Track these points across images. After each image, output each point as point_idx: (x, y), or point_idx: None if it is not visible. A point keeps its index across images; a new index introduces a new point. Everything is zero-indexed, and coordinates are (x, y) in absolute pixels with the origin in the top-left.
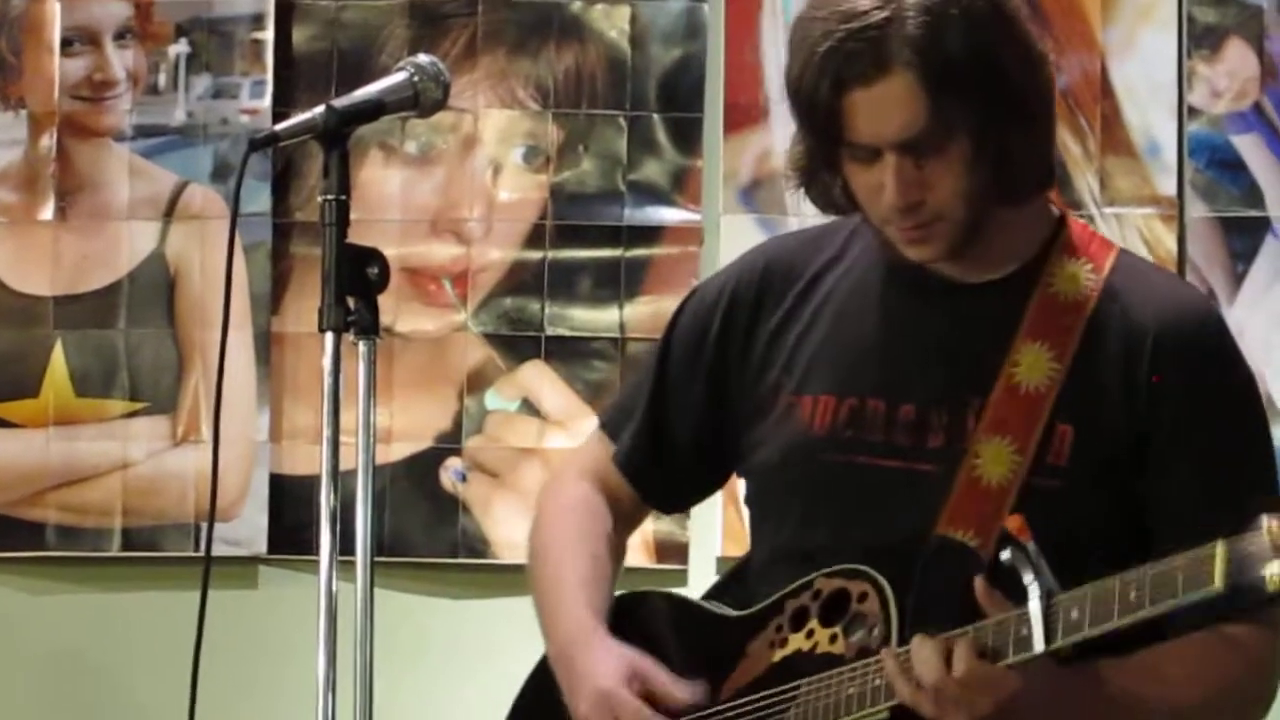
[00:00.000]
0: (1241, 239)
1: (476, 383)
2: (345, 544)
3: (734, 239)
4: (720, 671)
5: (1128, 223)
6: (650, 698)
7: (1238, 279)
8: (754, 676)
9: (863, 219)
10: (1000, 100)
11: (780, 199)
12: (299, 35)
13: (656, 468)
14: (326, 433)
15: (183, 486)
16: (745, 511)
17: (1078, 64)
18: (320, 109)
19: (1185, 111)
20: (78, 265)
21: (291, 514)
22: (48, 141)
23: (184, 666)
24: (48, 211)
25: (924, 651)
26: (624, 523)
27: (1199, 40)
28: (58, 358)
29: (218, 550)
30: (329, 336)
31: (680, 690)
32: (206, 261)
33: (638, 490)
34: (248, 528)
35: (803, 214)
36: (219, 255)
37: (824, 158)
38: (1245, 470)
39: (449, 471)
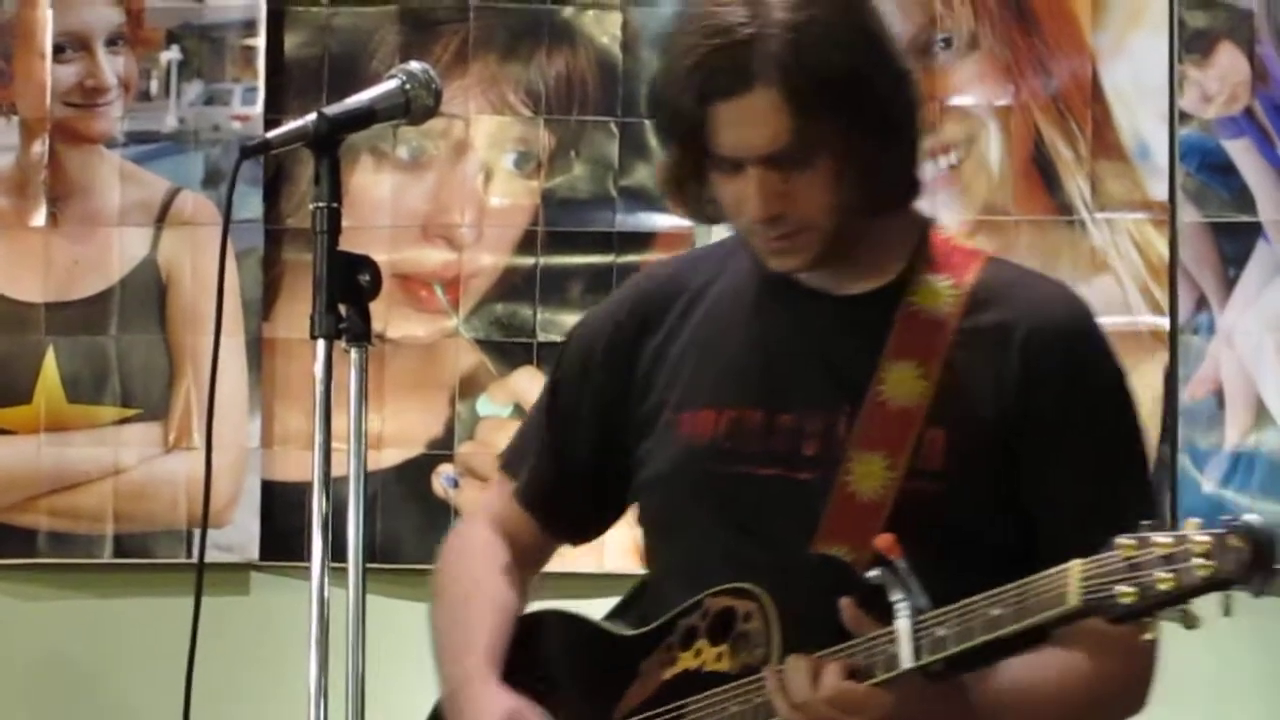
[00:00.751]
0: (1233, 243)
1: (468, 389)
2: (337, 550)
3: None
4: (614, 692)
5: (1119, 227)
6: None
7: (1229, 283)
8: (644, 697)
9: (737, 233)
10: (865, 116)
11: None
12: (290, 41)
13: (556, 500)
14: (318, 439)
15: (174, 492)
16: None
17: (1068, 68)
18: (312, 116)
19: (1176, 116)
20: (69, 271)
21: (283, 520)
22: (39, 147)
23: (177, 673)
24: (39, 218)
25: (796, 670)
26: (530, 559)
27: (1190, 44)
28: (49, 364)
29: (210, 556)
30: (320, 343)
31: None
32: (198, 268)
33: (540, 524)
34: (240, 534)
35: None
36: (211, 261)
37: (690, 168)
38: (1118, 461)
39: (441, 478)
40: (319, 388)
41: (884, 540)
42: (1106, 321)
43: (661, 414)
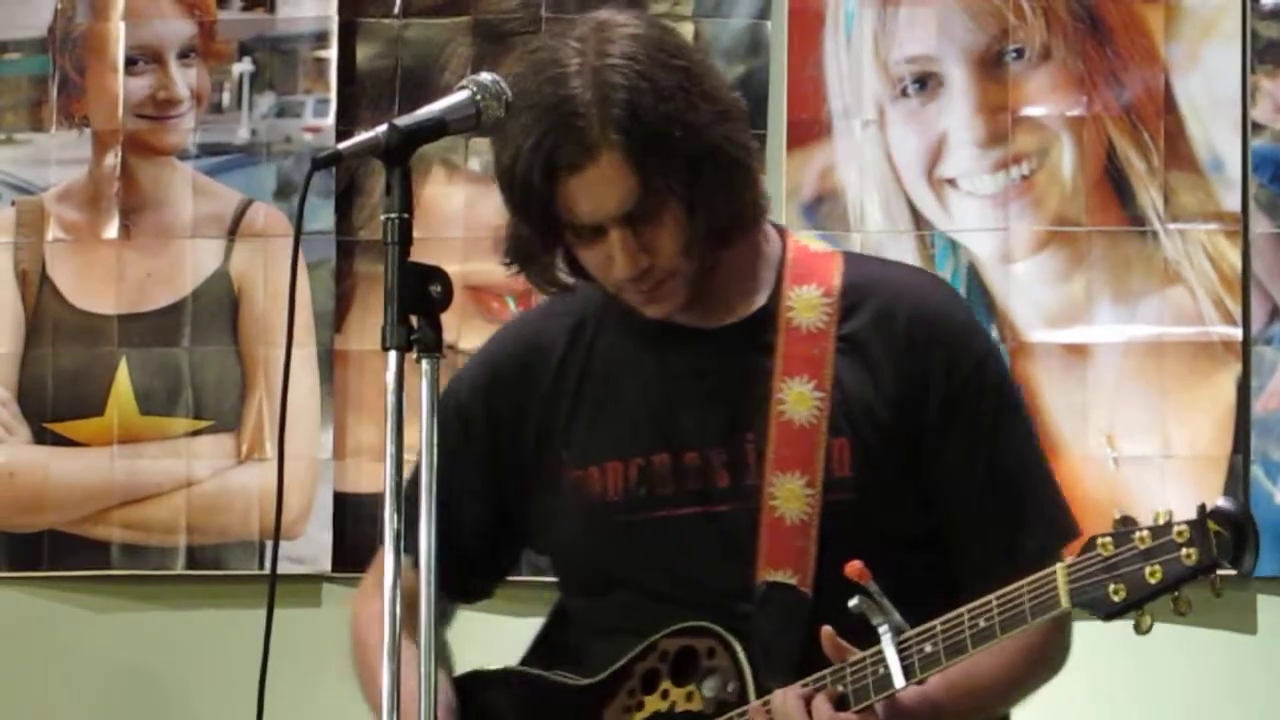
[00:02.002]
0: None
1: None
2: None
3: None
4: None
5: (1191, 238)
6: None
7: None
8: None
9: (596, 286)
10: (700, 158)
11: (844, 215)
12: (362, 53)
13: (450, 564)
14: (390, 450)
15: (247, 504)
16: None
17: (1141, 79)
18: (383, 128)
19: (1249, 126)
20: (142, 283)
21: (355, 531)
22: (112, 160)
23: (248, 685)
24: (112, 230)
25: (786, 705)
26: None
27: (1262, 55)
28: (122, 376)
29: (282, 568)
30: (392, 355)
31: None
32: (270, 279)
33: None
34: (312, 545)
35: (865, 230)
36: (282, 273)
37: (540, 243)
38: (1011, 423)
39: None
40: (391, 399)
41: (853, 568)
42: (1179, 332)
43: (563, 473)
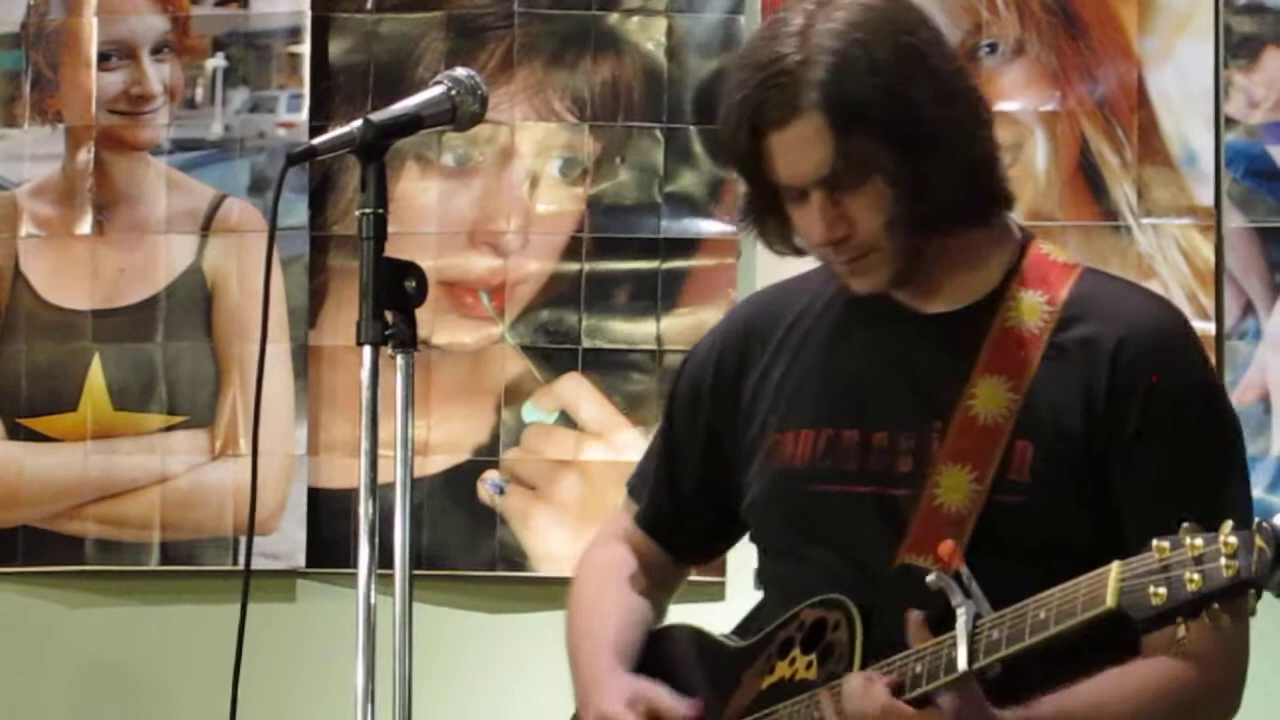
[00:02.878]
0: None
1: (514, 395)
2: (384, 557)
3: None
4: (722, 700)
5: (1165, 233)
6: (655, 717)
7: (1276, 289)
8: (744, 705)
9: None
10: (911, 136)
11: None
12: (336, 48)
13: (674, 525)
14: (365, 446)
15: (221, 500)
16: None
17: (1114, 74)
18: (357, 123)
19: (1222, 121)
20: (115, 279)
21: (330, 527)
22: (85, 155)
23: (223, 680)
24: (85, 225)
25: (850, 685)
26: (658, 578)
27: (1235, 50)
28: (96, 371)
29: (256, 564)
30: (367, 350)
31: (681, 706)
32: (244, 275)
33: (662, 546)
34: (286, 541)
35: None
36: (257, 269)
37: (763, 202)
38: (1205, 463)
39: (487, 484)
40: (366, 394)
41: (944, 547)
42: None
43: (765, 437)
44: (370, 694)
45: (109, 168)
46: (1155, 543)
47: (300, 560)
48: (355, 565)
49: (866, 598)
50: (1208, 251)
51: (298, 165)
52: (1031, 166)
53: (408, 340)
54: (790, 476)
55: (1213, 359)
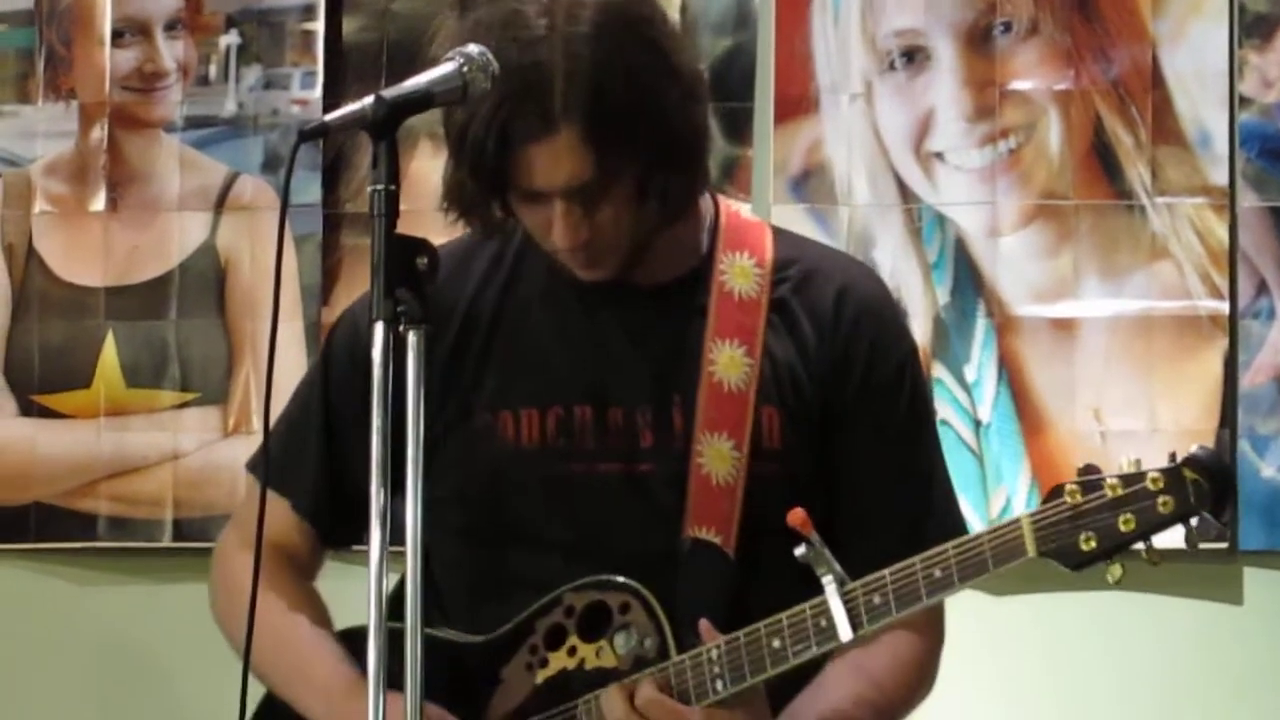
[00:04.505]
0: None
1: None
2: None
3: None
4: (476, 701)
5: (1179, 213)
6: None
7: None
8: (518, 702)
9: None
10: (662, 143)
11: (831, 189)
12: (349, 26)
13: (339, 509)
14: (376, 423)
15: (233, 477)
16: None
17: (1128, 55)
18: (370, 100)
19: (1236, 101)
20: (128, 256)
21: None
22: (98, 133)
23: (233, 657)
24: (99, 203)
25: (608, 696)
26: (309, 571)
27: (1250, 30)
28: (109, 349)
29: None
30: (379, 327)
31: None
32: (257, 253)
33: (321, 533)
34: None
35: (852, 204)
36: (269, 246)
37: (483, 196)
38: (921, 428)
39: None
40: (377, 371)
41: (796, 516)
42: (1166, 307)
43: (469, 418)
44: (383, 671)
45: (122, 145)
46: (1067, 487)
47: None
48: (366, 543)
49: (645, 575)
50: (1221, 231)
51: (310, 142)
52: (1045, 146)
53: (419, 317)
54: (517, 457)
55: (1226, 340)
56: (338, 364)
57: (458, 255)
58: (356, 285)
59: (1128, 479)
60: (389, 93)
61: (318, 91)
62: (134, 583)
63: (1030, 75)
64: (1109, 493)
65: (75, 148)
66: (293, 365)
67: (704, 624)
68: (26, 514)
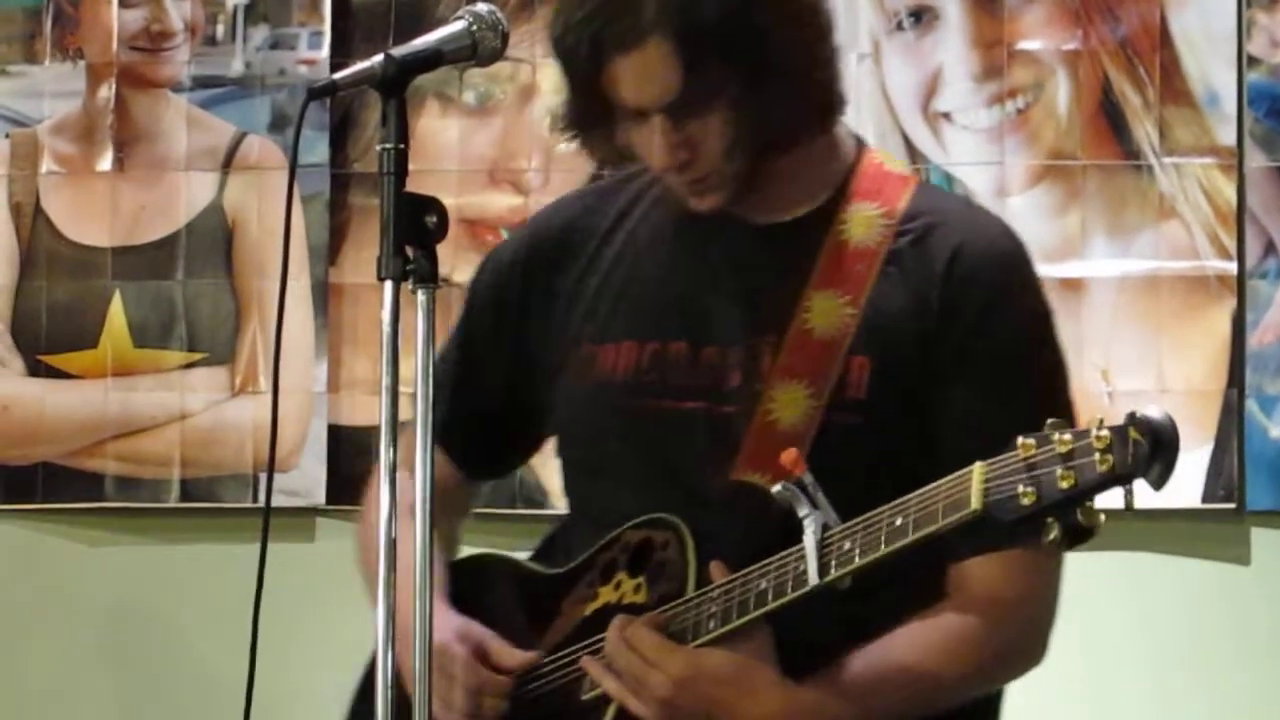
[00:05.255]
0: None
1: None
2: None
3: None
4: (540, 630)
5: (1187, 173)
6: (483, 658)
7: None
8: (566, 633)
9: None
10: (757, 60)
11: None
12: None
13: (469, 437)
14: (385, 382)
15: (241, 437)
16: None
17: (1136, 14)
18: (379, 58)
19: (1245, 61)
20: (136, 216)
21: (349, 465)
22: (106, 92)
23: (242, 617)
24: (106, 162)
25: (610, 628)
26: (448, 500)
27: None
28: (116, 309)
29: (276, 501)
30: (388, 285)
31: (510, 655)
32: (264, 212)
33: (455, 461)
34: (306, 479)
35: None
36: (277, 206)
37: (594, 116)
38: (1032, 391)
39: None
40: (386, 329)
41: (788, 456)
42: (1174, 267)
43: (580, 348)
44: (390, 631)
45: (129, 105)
46: (1021, 440)
47: (320, 498)
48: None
49: (695, 516)
50: (1229, 191)
51: (318, 101)
52: (1053, 106)
53: (428, 276)
54: (609, 389)
55: (1234, 300)
56: (477, 299)
57: (599, 191)
58: (364, 245)
59: (1078, 434)
60: (398, 51)
61: (325, 51)
62: (141, 542)
63: (1038, 35)
64: (1058, 447)
65: (82, 107)
66: (300, 325)
67: (715, 564)
68: (34, 474)
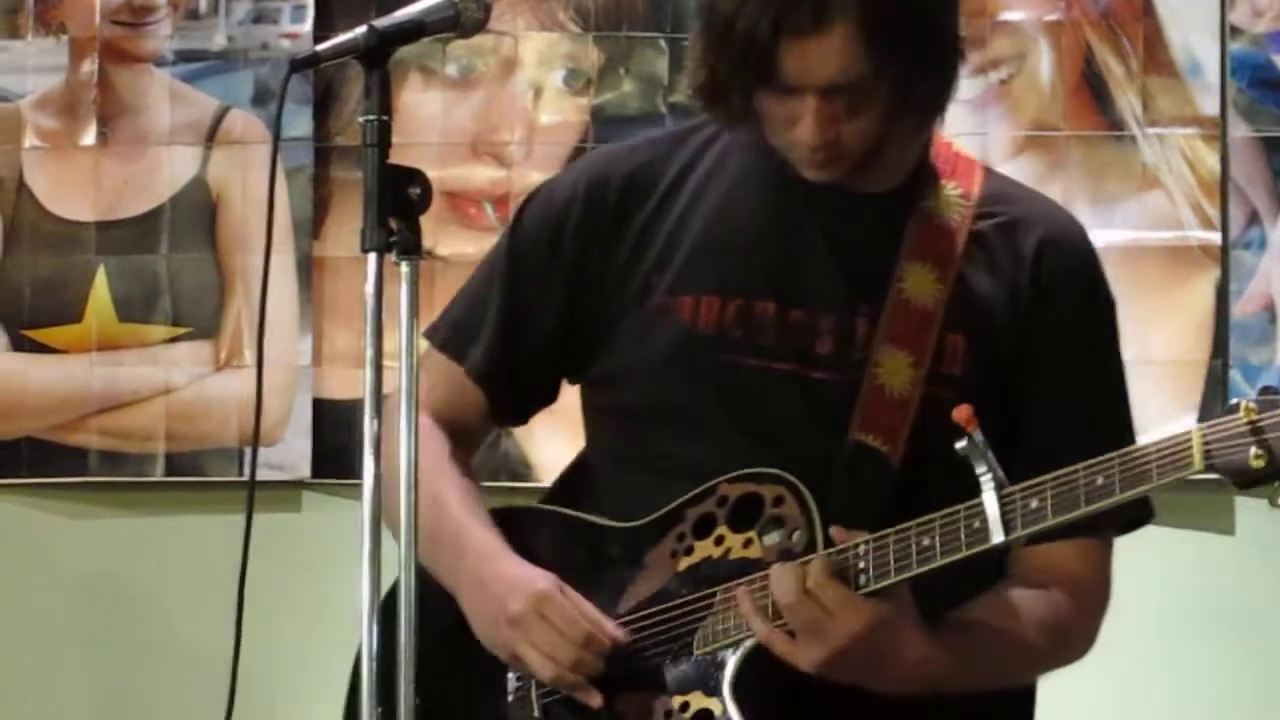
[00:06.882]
0: None
1: None
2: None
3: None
4: (618, 584)
5: (1170, 143)
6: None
7: None
8: (657, 586)
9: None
10: (926, 49)
11: None
12: None
13: (513, 378)
14: (369, 355)
15: (225, 411)
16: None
17: None
18: (361, 29)
19: (1227, 31)
20: (119, 191)
21: (334, 438)
22: (89, 67)
23: (227, 591)
24: (89, 137)
25: (781, 575)
26: (470, 442)
27: None
28: (100, 283)
29: (261, 475)
30: (371, 257)
31: (607, 623)
32: (248, 186)
33: (490, 402)
34: (290, 452)
35: None
36: (260, 180)
37: (738, 86)
38: (1114, 381)
39: None
40: (370, 301)
41: (962, 412)
42: (1158, 237)
43: (651, 296)
44: (375, 604)
45: (112, 79)
46: (1243, 403)
47: (305, 471)
48: (359, 476)
49: (805, 474)
50: (1212, 161)
51: (301, 75)
52: (1036, 77)
53: (412, 247)
54: (693, 341)
55: (1218, 270)
56: (526, 234)
57: (669, 138)
58: (347, 218)
59: None
60: (381, 22)
61: (308, 25)
62: (126, 516)
63: (1020, 6)
64: None
65: (65, 82)
66: (284, 298)
67: (836, 529)
68: (18, 448)
